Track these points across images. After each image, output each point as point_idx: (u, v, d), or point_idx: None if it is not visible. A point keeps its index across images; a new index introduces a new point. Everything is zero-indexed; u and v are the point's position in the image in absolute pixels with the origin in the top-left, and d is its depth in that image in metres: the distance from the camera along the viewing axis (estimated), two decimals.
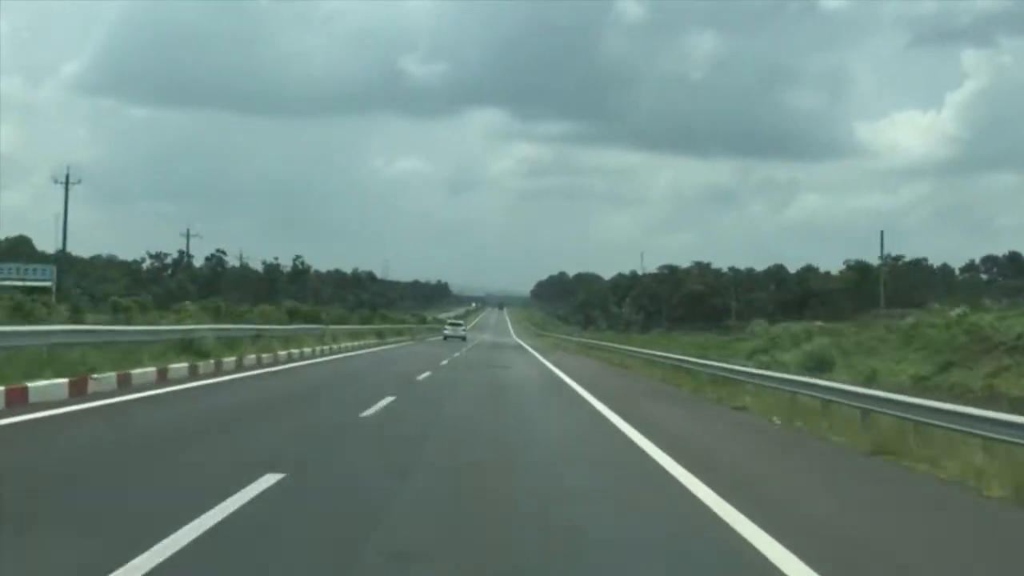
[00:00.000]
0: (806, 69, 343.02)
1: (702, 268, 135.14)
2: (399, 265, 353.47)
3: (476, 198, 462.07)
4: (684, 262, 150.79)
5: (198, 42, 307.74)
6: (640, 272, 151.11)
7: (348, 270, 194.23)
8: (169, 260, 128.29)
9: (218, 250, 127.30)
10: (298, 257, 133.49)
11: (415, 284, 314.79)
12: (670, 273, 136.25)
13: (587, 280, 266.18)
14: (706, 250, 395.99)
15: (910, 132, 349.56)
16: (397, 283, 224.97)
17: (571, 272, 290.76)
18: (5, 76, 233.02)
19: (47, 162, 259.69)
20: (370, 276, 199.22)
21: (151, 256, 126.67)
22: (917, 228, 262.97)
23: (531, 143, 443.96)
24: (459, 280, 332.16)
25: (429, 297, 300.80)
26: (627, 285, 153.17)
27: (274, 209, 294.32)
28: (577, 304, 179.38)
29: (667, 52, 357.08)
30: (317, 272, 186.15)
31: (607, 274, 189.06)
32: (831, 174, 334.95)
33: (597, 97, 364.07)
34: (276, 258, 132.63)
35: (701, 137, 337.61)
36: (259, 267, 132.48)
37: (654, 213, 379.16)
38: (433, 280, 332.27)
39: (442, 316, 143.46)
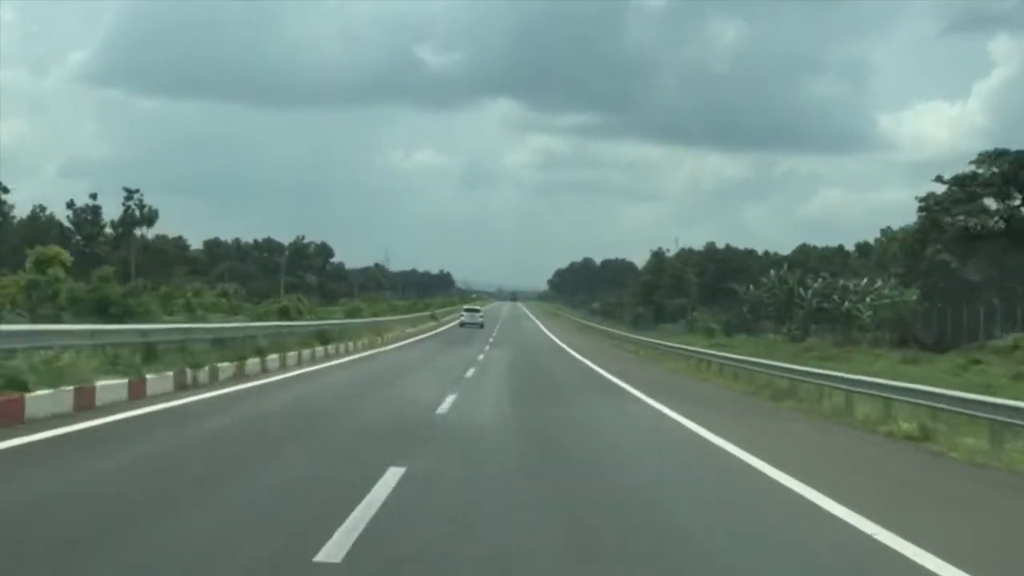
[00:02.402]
0: (830, 59, 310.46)
1: None
2: (408, 257, 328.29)
3: (489, 191, 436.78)
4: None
5: (206, 32, 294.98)
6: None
7: (287, 240, 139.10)
8: None
9: None
10: (133, 194, 77.15)
11: (412, 273, 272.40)
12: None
13: (617, 267, 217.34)
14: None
15: (936, 123, 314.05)
16: (355, 269, 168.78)
17: (598, 258, 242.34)
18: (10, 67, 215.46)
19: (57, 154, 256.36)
20: (321, 250, 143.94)
21: None
22: None
23: (547, 135, 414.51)
24: (471, 274, 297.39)
25: (427, 288, 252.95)
26: (704, 258, 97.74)
27: (283, 201, 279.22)
28: (639, 288, 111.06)
29: (687, 42, 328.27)
30: (233, 243, 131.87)
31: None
32: (855, 167, 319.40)
33: (615, 88, 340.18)
34: (94, 196, 76.68)
35: (721, 129, 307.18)
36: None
37: (672, 206, 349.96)
38: (434, 271, 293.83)
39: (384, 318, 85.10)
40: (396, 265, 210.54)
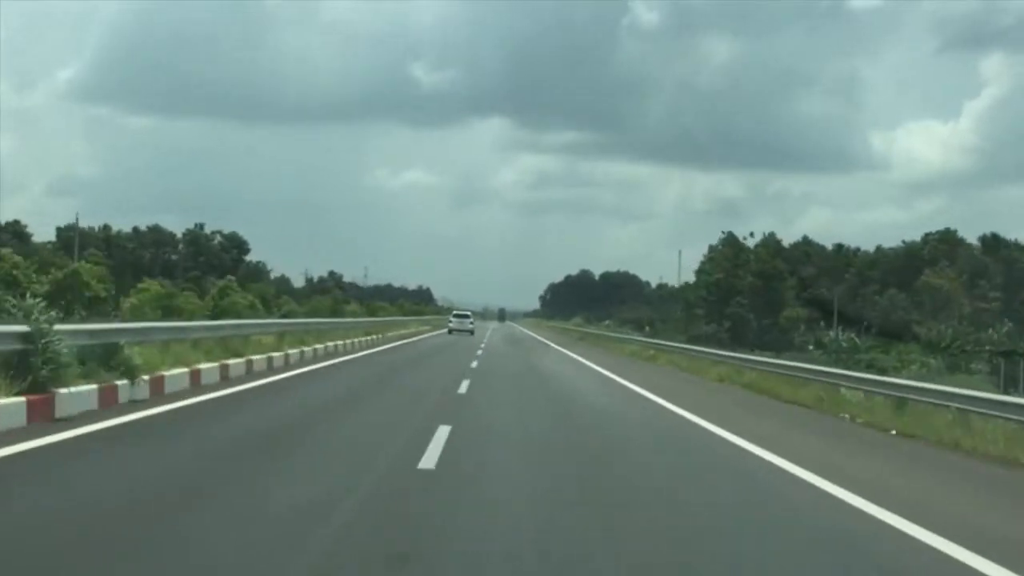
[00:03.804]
0: (823, 78, 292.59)
1: None
2: (394, 275, 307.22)
3: (477, 209, 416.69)
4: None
5: (191, 48, 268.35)
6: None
7: (178, 230, 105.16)
8: None
9: None
10: None
11: (387, 288, 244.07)
12: None
13: (619, 280, 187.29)
14: None
15: (929, 143, 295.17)
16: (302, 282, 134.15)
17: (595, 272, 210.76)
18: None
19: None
20: (230, 244, 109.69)
21: None
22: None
23: (538, 153, 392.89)
24: (456, 292, 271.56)
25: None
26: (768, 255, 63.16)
27: (270, 218, 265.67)
28: (701, 294, 70.05)
29: (680, 61, 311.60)
30: None
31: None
32: (846, 186, 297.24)
33: (607, 107, 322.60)
34: None
35: (714, 148, 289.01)
36: None
37: (663, 226, 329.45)
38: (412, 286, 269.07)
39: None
40: (374, 280, 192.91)
